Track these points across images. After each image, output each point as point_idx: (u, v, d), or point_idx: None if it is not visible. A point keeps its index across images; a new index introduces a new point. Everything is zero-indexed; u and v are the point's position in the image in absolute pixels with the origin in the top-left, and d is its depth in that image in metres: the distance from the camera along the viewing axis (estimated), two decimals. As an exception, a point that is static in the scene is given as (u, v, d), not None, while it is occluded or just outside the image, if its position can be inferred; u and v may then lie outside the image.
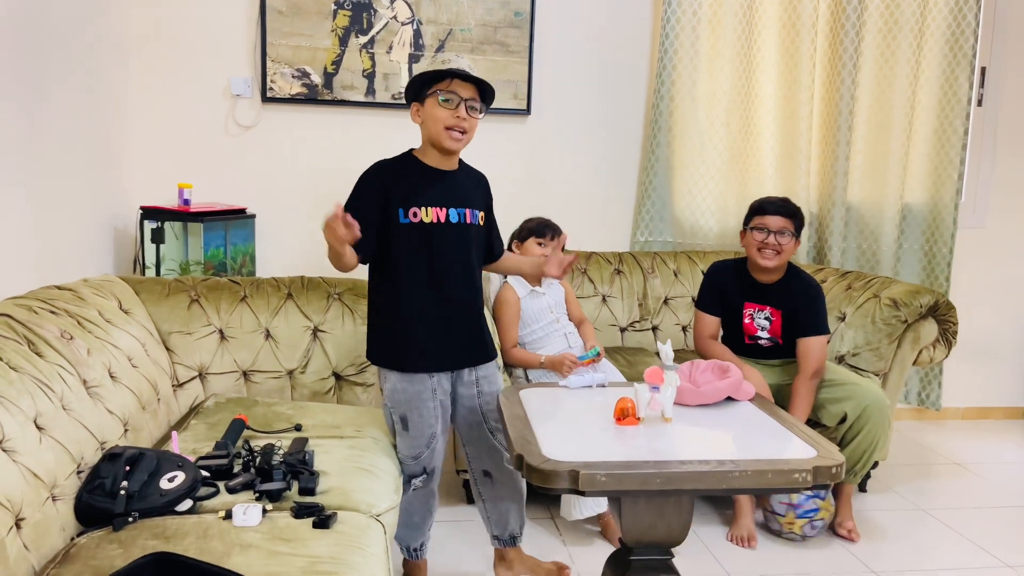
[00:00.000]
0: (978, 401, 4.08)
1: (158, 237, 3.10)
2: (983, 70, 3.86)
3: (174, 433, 1.99)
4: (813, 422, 2.71)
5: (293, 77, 3.37)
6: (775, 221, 2.70)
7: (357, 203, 2.04)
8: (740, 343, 2.83)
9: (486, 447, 2.20)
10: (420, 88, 2.03)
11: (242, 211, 3.30)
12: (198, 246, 3.11)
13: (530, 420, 1.76)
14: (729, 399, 1.95)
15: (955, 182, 3.66)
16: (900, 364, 2.97)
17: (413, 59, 3.42)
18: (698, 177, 3.61)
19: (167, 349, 2.43)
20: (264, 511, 1.67)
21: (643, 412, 1.76)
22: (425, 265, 2.04)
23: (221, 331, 2.51)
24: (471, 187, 2.15)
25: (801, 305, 2.71)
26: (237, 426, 2.08)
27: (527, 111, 3.50)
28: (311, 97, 3.39)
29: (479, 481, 2.23)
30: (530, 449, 1.58)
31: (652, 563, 1.75)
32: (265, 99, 3.37)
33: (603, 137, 3.60)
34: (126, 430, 1.95)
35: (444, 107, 1.99)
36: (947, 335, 2.99)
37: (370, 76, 3.42)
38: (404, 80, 3.42)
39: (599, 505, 2.56)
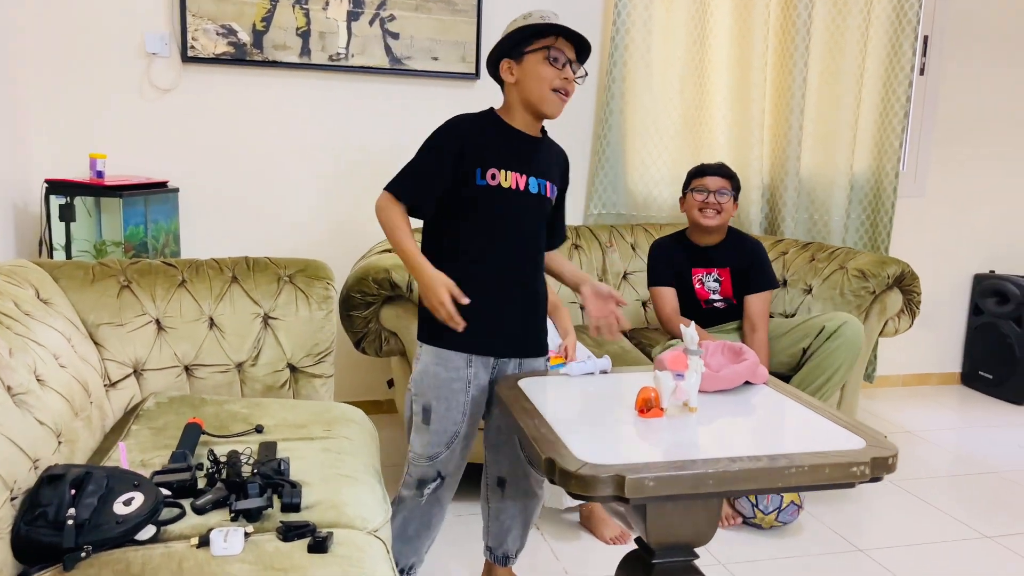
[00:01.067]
0: (916, 368, 4.15)
1: (67, 214, 2.73)
2: (925, 39, 3.87)
3: (121, 444, 1.70)
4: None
5: (218, 34, 3.02)
6: (714, 181, 2.77)
7: (430, 155, 1.81)
8: (697, 311, 2.82)
9: (510, 456, 1.96)
10: (517, 43, 1.80)
11: (163, 184, 2.96)
12: (115, 224, 2.76)
13: (544, 415, 1.57)
14: (745, 383, 1.82)
15: (896, 151, 3.66)
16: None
17: (352, 16, 3.14)
18: (652, 147, 3.48)
19: (95, 343, 2.12)
20: (246, 535, 1.43)
21: (667, 402, 1.60)
22: (495, 233, 1.82)
23: (158, 321, 2.21)
24: (552, 160, 1.92)
25: (750, 263, 2.77)
26: (192, 432, 1.81)
27: (476, 75, 3.28)
28: (238, 57, 3.06)
29: (490, 487, 2.00)
30: (561, 452, 1.39)
31: (676, 565, 1.60)
32: (186, 59, 3.01)
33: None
34: (60, 443, 1.66)
35: (552, 66, 1.77)
36: (911, 305, 2.98)
37: (305, 35, 3.11)
38: (342, 40, 3.13)
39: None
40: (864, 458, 1.39)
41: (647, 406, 1.58)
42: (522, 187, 1.81)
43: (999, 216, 4.09)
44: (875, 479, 1.42)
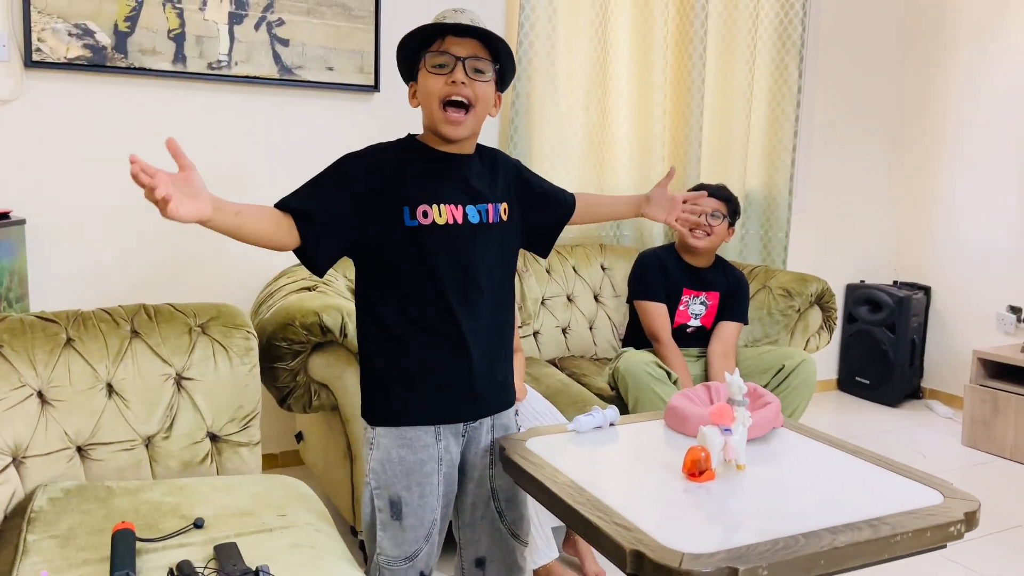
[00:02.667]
0: (799, 377, 4.27)
1: None
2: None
3: (44, 574, 1.28)
4: None
5: (71, 35, 2.53)
6: (709, 202, 2.68)
7: (318, 188, 1.47)
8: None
9: (489, 530, 1.65)
10: (410, 61, 1.51)
11: (5, 215, 2.43)
12: (-54, 266, 2.22)
13: (588, 490, 1.35)
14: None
15: (788, 168, 3.74)
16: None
17: (235, 19, 2.74)
18: (559, 166, 3.33)
19: (-41, 429, 1.64)
20: None
21: (717, 462, 1.42)
22: (441, 279, 1.51)
23: (40, 393, 1.75)
24: (494, 175, 1.61)
25: (733, 291, 2.73)
26: (125, 542, 1.41)
27: (375, 87, 2.96)
28: (96, 63, 2.58)
29: (467, 571, 1.69)
30: (646, 542, 1.17)
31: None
32: (30, 63, 2.50)
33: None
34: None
35: (436, 74, 1.48)
36: (829, 321, 3.01)
37: (179, 38, 2.68)
38: (224, 45, 2.73)
39: (551, 551, 2.18)
40: (958, 515, 1.28)
41: (698, 468, 1.40)
42: (459, 220, 1.52)
43: (867, 229, 4.31)
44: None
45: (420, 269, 1.50)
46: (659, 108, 3.42)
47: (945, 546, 1.28)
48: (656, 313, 2.66)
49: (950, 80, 4.06)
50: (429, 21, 1.51)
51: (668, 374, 2.49)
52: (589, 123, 3.37)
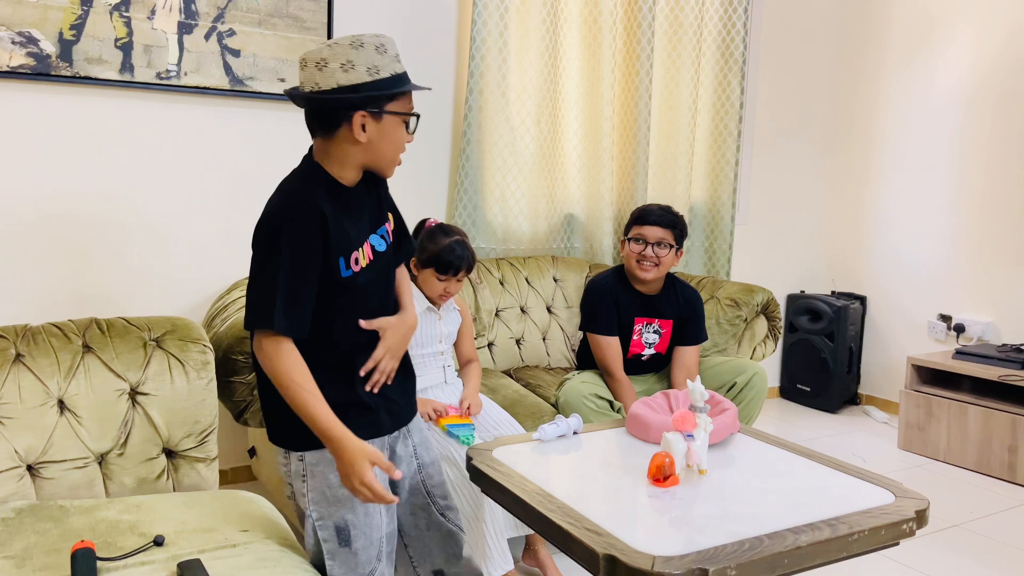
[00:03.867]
0: (743, 385, 4.38)
1: None
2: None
3: (3, 597, 1.25)
4: None
5: (14, 43, 2.47)
6: (653, 232, 2.62)
7: (302, 267, 1.44)
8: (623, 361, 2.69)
9: (438, 537, 1.67)
10: (378, 97, 1.48)
11: (-57, 227, 2.35)
12: None
13: (558, 497, 1.37)
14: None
15: (731, 181, 3.85)
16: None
17: (184, 29, 2.70)
18: (510, 180, 3.36)
19: (-97, 449, 1.58)
20: None
21: (681, 467, 1.46)
22: (367, 314, 1.56)
23: (-11, 410, 1.70)
24: (373, 196, 1.63)
25: (687, 315, 2.67)
26: (86, 562, 1.38)
27: (327, 100, 2.96)
28: (40, 71, 2.52)
29: None
30: (618, 546, 1.20)
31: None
32: (-30, 71, 2.43)
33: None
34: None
35: (403, 124, 1.53)
36: (774, 330, 3.10)
37: (126, 47, 2.63)
38: (172, 54, 2.69)
39: (507, 563, 2.19)
40: (910, 513, 1.34)
41: (663, 474, 1.43)
42: (371, 256, 1.57)
43: (806, 240, 4.45)
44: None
45: (352, 311, 1.53)
46: (608, 123, 3.49)
47: (898, 543, 1.34)
48: (607, 347, 2.62)
49: (883, 94, 4.23)
50: (382, 47, 1.49)
51: (611, 404, 2.53)
52: (540, 137, 3.41)
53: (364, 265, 1.53)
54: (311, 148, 1.57)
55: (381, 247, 1.59)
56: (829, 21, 4.34)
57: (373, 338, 1.56)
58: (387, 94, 1.48)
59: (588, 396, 2.48)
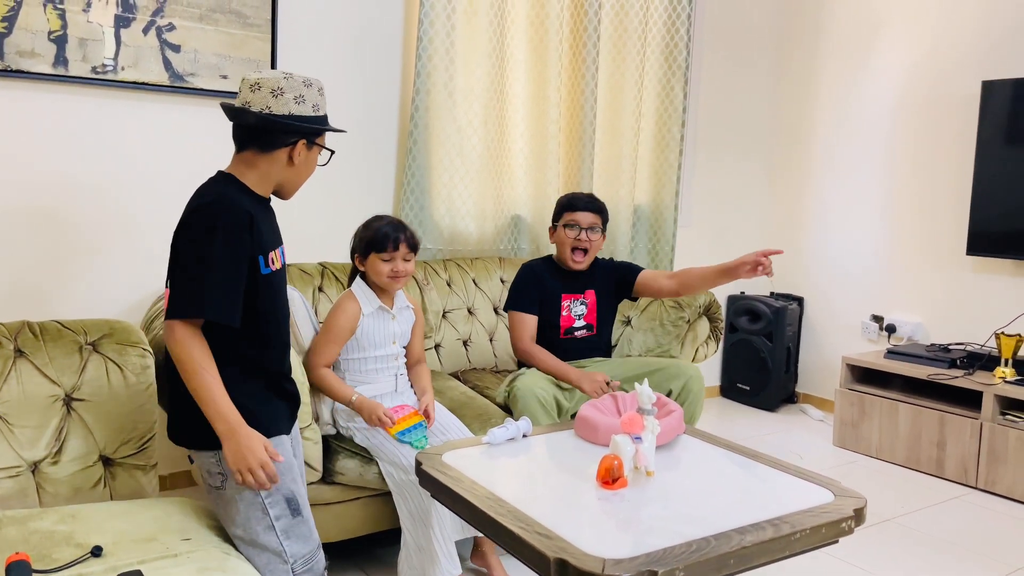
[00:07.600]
0: (685, 384, 4.45)
1: None
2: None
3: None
4: None
5: (-61, 33, 2.37)
6: (585, 217, 2.74)
7: (231, 261, 1.61)
8: (555, 340, 2.75)
9: None
10: (317, 130, 1.73)
11: None
12: None
13: (508, 501, 1.37)
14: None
15: (675, 185, 3.91)
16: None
17: (122, 22, 2.63)
18: (457, 180, 3.36)
19: None
20: None
21: (629, 469, 1.48)
22: (276, 316, 1.75)
23: (-86, 418, 1.63)
24: (270, 212, 1.83)
25: (611, 271, 2.81)
26: (22, 573, 1.33)
27: (271, 98, 2.91)
28: (-32, 63, 2.42)
29: None
30: (569, 550, 1.21)
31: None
32: None
33: (358, 134, 3.16)
34: None
35: (316, 162, 1.79)
36: (716, 331, 3.16)
37: (60, 40, 2.54)
38: (108, 48, 2.62)
39: (454, 568, 2.19)
40: (848, 511, 1.38)
41: (612, 476, 1.45)
42: (278, 264, 1.76)
43: (745, 242, 4.55)
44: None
45: (265, 311, 1.70)
46: (554, 125, 3.51)
47: (837, 541, 1.38)
48: (522, 322, 2.69)
49: (820, 100, 4.35)
50: (310, 83, 1.71)
51: (557, 403, 2.55)
52: (487, 137, 3.41)
53: (277, 267, 1.72)
54: (227, 167, 1.74)
55: (283, 259, 1.79)
56: (768, 29, 4.44)
57: (285, 338, 1.78)
58: (323, 129, 1.73)
59: (543, 388, 2.48)
